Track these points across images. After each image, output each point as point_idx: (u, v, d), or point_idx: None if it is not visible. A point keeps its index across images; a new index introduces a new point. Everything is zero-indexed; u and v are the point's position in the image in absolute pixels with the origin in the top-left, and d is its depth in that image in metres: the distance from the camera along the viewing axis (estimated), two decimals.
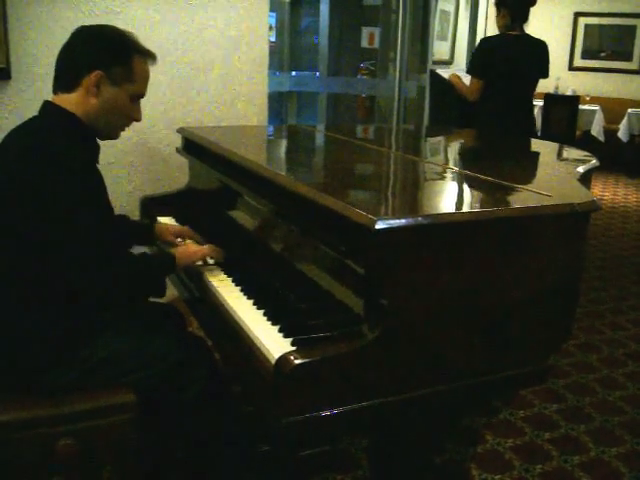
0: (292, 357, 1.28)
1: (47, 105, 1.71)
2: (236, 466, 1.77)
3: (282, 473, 2.17)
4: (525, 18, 4.03)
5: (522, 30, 4.03)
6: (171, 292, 1.96)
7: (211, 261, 1.95)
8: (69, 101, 1.69)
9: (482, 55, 4.07)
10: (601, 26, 8.98)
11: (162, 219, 2.49)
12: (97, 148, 1.81)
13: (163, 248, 2.14)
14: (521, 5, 4.00)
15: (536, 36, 4.09)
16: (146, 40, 1.80)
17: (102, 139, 1.81)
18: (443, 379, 1.46)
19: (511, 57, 3.97)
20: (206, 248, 1.95)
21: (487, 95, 4.02)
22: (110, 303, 1.69)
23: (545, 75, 4.18)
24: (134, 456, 1.66)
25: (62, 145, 1.60)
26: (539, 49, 4.09)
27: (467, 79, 4.28)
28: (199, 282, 1.91)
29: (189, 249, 1.94)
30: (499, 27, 4.09)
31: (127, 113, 1.77)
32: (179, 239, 2.18)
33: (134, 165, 3.18)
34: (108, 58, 1.68)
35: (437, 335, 1.42)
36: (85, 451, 1.58)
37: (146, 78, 1.78)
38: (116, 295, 1.66)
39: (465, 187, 1.93)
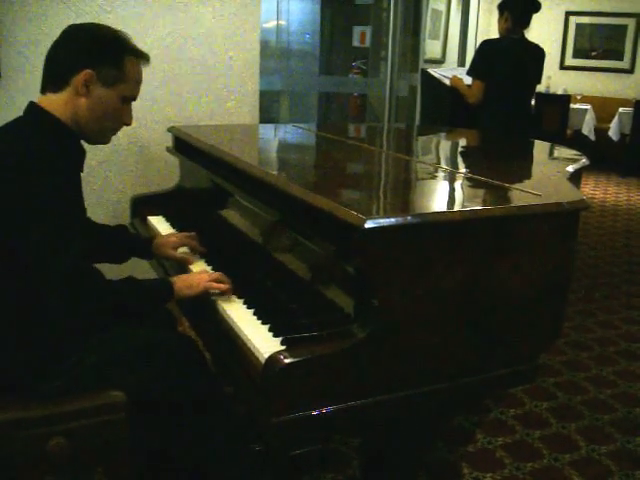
0: (282, 356, 1.28)
1: (31, 107, 1.66)
2: (228, 466, 1.77)
3: (274, 472, 2.17)
4: (527, 23, 4.07)
5: (522, 34, 4.06)
6: None
7: (215, 291, 1.73)
8: (57, 102, 1.65)
9: (483, 57, 4.10)
10: (592, 25, 9.02)
11: (152, 218, 2.49)
12: (82, 155, 1.76)
13: (163, 274, 2.04)
14: (524, 11, 4.03)
15: (527, 35, 4.12)
16: (136, 39, 1.78)
17: (91, 143, 1.76)
18: (433, 378, 1.47)
19: (512, 60, 4.01)
20: (207, 276, 1.75)
21: (488, 98, 4.04)
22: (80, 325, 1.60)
23: (538, 81, 4.23)
24: (126, 456, 1.66)
25: (37, 153, 1.54)
26: (537, 54, 4.13)
27: (467, 80, 4.30)
28: None
29: (191, 279, 1.75)
30: (500, 30, 4.13)
31: (117, 115, 1.72)
32: (182, 249, 2.09)
33: (124, 164, 3.18)
34: (99, 57, 1.64)
35: (427, 334, 1.42)
36: (77, 451, 1.57)
37: (138, 80, 1.75)
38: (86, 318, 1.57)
39: (456, 186, 1.93)
